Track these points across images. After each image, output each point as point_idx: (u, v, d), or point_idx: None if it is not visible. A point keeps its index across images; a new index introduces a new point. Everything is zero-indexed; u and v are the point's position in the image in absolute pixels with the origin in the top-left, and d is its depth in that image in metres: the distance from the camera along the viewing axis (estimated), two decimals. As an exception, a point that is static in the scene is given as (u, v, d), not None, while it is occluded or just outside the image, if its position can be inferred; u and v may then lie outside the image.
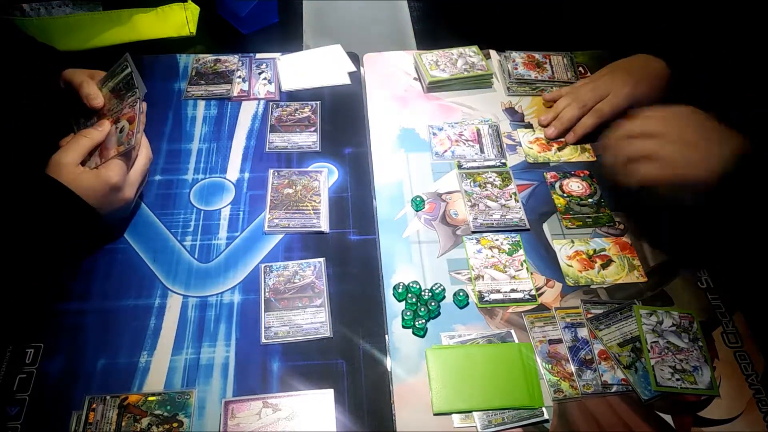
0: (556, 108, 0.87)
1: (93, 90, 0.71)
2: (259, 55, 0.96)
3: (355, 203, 0.77)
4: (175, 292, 0.68)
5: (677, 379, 0.62)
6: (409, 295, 0.68)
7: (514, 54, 0.96)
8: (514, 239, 0.74)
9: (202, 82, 0.91)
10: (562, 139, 0.85)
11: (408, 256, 0.72)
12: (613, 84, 0.81)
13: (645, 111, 0.71)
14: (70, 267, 0.68)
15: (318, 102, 0.89)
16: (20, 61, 0.77)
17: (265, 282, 0.69)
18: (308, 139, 0.84)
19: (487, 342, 0.65)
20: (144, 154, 0.71)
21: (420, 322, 0.65)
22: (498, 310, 0.68)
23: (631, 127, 0.70)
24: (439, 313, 0.67)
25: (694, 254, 0.73)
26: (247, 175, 0.80)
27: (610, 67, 0.85)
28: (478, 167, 0.81)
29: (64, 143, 0.68)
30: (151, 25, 0.92)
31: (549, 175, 0.81)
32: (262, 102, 0.89)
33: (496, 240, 0.74)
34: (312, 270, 0.70)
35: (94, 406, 0.58)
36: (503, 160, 0.82)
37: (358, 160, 0.82)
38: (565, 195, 0.79)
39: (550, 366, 0.63)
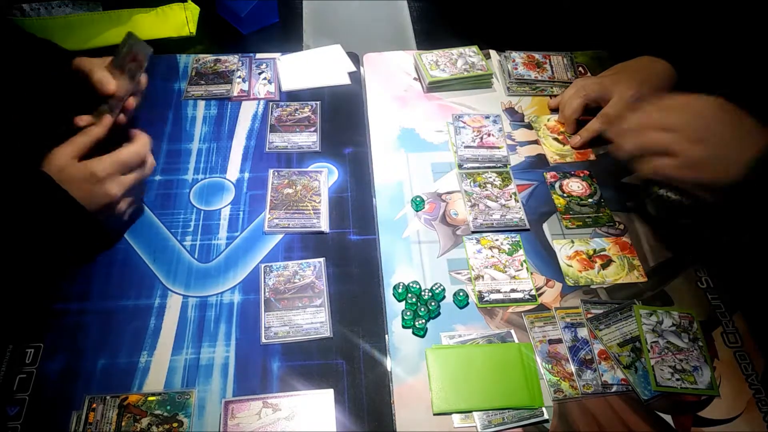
0: (562, 96, 0.87)
1: (104, 75, 0.69)
2: (259, 55, 0.96)
3: (355, 203, 0.77)
4: (175, 292, 0.68)
5: (677, 379, 0.62)
6: (409, 295, 0.68)
7: (514, 54, 0.96)
8: (514, 239, 0.74)
9: (202, 82, 0.91)
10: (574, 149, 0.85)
11: (408, 256, 0.72)
12: (617, 85, 0.81)
13: (666, 99, 0.65)
14: (64, 265, 0.68)
15: (318, 102, 0.89)
16: (20, 59, 0.77)
17: (265, 282, 0.69)
18: (308, 139, 0.84)
19: (487, 342, 0.65)
20: (141, 142, 0.68)
21: (420, 322, 0.65)
22: (498, 310, 0.68)
23: (649, 118, 0.66)
24: (439, 313, 0.67)
25: (695, 252, 0.73)
26: (247, 175, 0.80)
27: (614, 69, 0.85)
28: (479, 167, 0.81)
29: None
30: (151, 25, 0.92)
31: (549, 175, 0.81)
32: (262, 102, 0.89)
33: (496, 240, 0.74)
34: (312, 270, 0.70)
35: (94, 406, 0.58)
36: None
37: (358, 160, 0.82)
38: (565, 195, 0.79)
39: (550, 366, 0.63)
